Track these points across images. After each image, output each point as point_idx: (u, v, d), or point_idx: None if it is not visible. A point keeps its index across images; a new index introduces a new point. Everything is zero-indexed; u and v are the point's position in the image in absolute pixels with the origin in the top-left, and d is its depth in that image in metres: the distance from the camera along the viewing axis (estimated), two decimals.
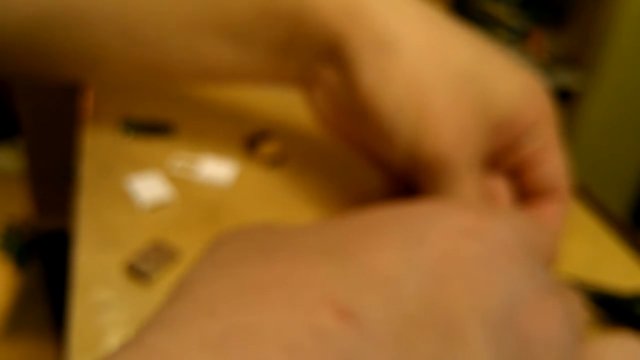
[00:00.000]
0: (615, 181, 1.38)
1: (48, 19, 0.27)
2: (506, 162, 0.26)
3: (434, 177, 0.25)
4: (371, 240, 0.15)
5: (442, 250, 0.14)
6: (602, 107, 1.22)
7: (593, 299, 0.26)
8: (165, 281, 0.25)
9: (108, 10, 0.27)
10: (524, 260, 0.15)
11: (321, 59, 0.27)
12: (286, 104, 0.40)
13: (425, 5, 0.25)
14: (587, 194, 0.34)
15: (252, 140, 0.34)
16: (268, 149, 0.34)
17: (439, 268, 0.14)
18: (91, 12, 0.27)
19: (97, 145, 0.33)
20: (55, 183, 0.90)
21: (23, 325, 1.15)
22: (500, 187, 0.27)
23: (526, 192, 0.27)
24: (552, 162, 0.26)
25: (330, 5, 0.25)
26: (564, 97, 1.22)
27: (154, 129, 0.34)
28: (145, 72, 0.30)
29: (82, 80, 0.35)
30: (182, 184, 0.30)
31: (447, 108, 0.24)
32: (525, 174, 0.26)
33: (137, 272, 0.25)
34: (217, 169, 0.31)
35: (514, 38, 1.24)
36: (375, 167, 0.30)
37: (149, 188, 0.29)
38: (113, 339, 0.22)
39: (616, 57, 1.18)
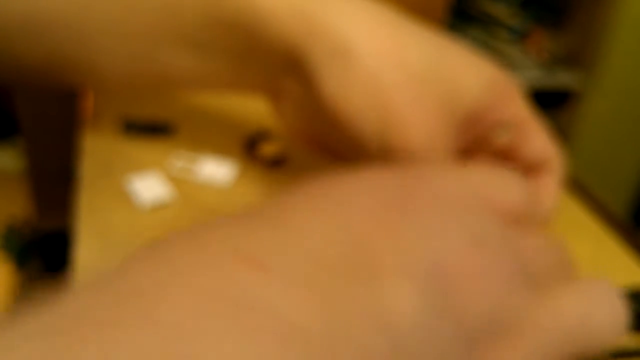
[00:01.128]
0: (615, 181, 1.38)
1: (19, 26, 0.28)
2: (489, 150, 0.27)
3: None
4: (297, 207, 0.16)
5: (369, 210, 0.16)
6: (602, 107, 1.22)
7: None
8: None
9: (66, 19, 0.27)
10: (464, 213, 0.16)
11: (282, 70, 0.27)
12: None
13: (381, 8, 0.26)
14: (587, 194, 0.35)
15: (252, 140, 0.34)
16: (268, 149, 0.34)
17: (362, 226, 0.15)
18: (48, 22, 0.27)
19: (97, 145, 0.33)
20: (55, 183, 0.90)
21: None
22: None
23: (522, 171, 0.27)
24: (534, 139, 0.26)
25: (284, 18, 0.25)
26: (564, 97, 1.22)
27: (153, 129, 0.34)
28: (108, 81, 0.30)
29: (49, 87, 0.35)
30: (182, 184, 0.30)
31: (410, 108, 0.24)
32: (511, 157, 0.27)
33: None
34: (217, 169, 0.31)
35: (514, 38, 1.24)
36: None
37: (148, 188, 0.29)
38: None
39: (616, 57, 1.18)
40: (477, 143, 0.26)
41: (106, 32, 0.27)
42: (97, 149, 0.32)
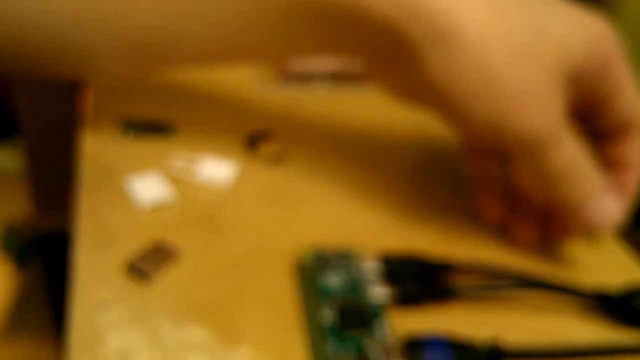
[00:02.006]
0: None
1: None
2: (581, 107, 0.27)
3: (526, 153, 0.25)
4: None
5: None
6: None
7: (590, 296, 0.26)
8: (165, 281, 0.25)
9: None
10: None
11: (378, 52, 0.26)
12: (286, 104, 0.40)
13: None
14: None
15: (252, 139, 0.34)
16: (268, 148, 0.34)
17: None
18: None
19: (96, 145, 0.33)
20: (55, 183, 0.90)
21: (23, 325, 1.15)
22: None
23: (603, 133, 0.28)
24: (626, 97, 0.26)
25: (382, 2, 0.24)
26: None
27: (153, 128, 0.34)
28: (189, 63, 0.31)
29: (81, 77, 0.35)
30: (182, 184, 0.30)
31: (523, 87, 0.24)
32: (600, 114, 0.27)
33: (136, 272, 0.25)
34: (217, 168, 0.32)
35: None
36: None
37: (148, 188, 0.29)
38: (113, 339, 0.22)
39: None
40: (578, 98, 0.26)
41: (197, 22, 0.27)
42: (96, 149, 0.32)
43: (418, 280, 0.25)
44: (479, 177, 0.31)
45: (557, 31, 0.25)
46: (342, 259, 0.26)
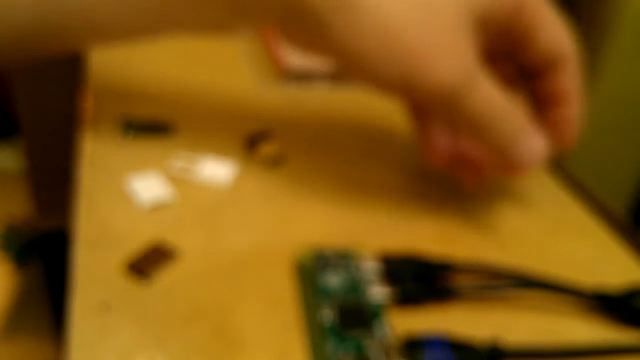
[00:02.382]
0: (615, 181, 1.38)
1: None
2: (499, 47, 0.27)
3: (444, 104, 0.25)
4: None
5: None
6: (602, 107, 1.22)
7: (589, 296, 0.26)
8: (165, 281, 0.25)
9: None
10: None
11: (284, 18, 0.26)
12: (286, 104, 0.40)
13: None
14: (587, 194, 0.35)
15: (252, 140, 0.34)
16: (267, 149, 0.34)
17: None
18: None
19: (96, 146, 0.33)
20: (55, 183, 0.90)
21: (23, 325, 1.15)
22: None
23: (532, 71, 0.28)
24: (547, 32, 0.26)
25: None
26: None
27: (153, 129, 0.34)
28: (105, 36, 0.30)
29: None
30: (182, 184, 0.30)
31: (429, 41, 0.24)
32: (523, 52, 0.27)
33: (136, 272, 0.25)
34: (216, 169, 0.32)
35: None
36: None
37: (148, 188, 0.29)
38: (113, 339, 0.22)
39: (616, 58, 1.19)
40: (495, 38, 0.26)
41: None
42: (96, 149, 0.32)
43: (418, 280, 0.25)
44: (422, 131, 0.31)
45: None
46: (341, 259, 0.26)
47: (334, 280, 0.25)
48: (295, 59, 0.44)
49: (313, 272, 0.25)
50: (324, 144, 0.36)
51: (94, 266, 0.25)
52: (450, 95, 0.25)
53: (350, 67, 0.26)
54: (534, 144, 0.27)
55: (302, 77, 0.43)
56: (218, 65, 0.44)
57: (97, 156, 0.32)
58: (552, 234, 0.31)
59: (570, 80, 0.28)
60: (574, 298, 0.26)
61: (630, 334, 0.25)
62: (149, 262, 0.25)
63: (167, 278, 0.25)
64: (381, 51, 0.24)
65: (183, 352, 0.22)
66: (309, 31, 0.26)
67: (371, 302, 0.24)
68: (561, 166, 0.36)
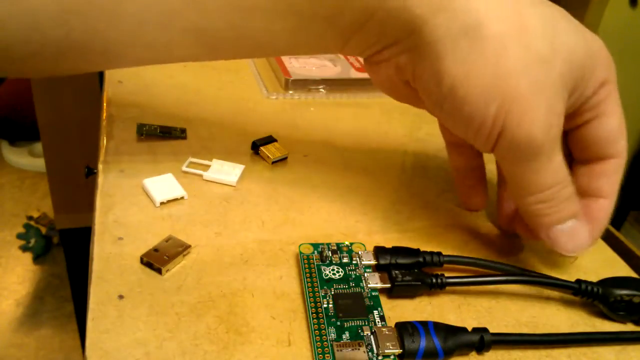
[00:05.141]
0: None
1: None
2: (568, 123, 0.25)
3: (520, 158, 0.24)
4: None
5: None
6: None
7: (570, 287, 0.26)
8: (177, 273, 0.25)
9: None
10: None
11: (391, 41, 0.24)
12: (289, 110, 0.40)
13: None
14: None
15: (257, 143, 0.34)
16: (271, 151, 0.34)
17: None
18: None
19: (113, 148, 0.33)
20: (72, 182, 0.90)
21: (42, 316, 1.15)
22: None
23: (580, 156, 0.27)
24: (610, 123, 0.25)
25: None
26: None
27: (166, 133, 0.35)
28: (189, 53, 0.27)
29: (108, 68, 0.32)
30: (193, 184, 0.31)
31: (534, 93, 0.23)
32: (583, 134, 0.26)
33: (150, 265, 0.25)
34: (224, 170, 0.32)
35: None
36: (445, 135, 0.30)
37: (162, 187, 0.30)
38: (127, 328, 0.22)
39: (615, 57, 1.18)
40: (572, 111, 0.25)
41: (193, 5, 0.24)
42: (114, 151, 0.33)
43: (410, 273, 0.25)
44: (460, 168, 0.30)
45: (568, 41, 0.23)
46: (340, 252, 0.26)
47: (333, 271, 0.25)
48: (297, 68, 0.44)
49: (314, 264, 0.26)
50: (324, 146, 0.36)
51: (110, 259, 0.25)
52: (535, 150, 0.23)
53: (446, 101, 0.24)
54: (581, 233, 0.25)
55: (302, 85, 0.43)
56: (226, 74, 0.44)
57: (114, 158, 0.32)
58: None
59: (614, 178, 0.26)
60: (556, 290, 0.27)
61: (609, 324, 0.26)
62: (161, 256, 0.25)
63: (178, 271, 0.25)
64: (490, 89, 0.23)
65: (193, 340, 0.22)
66: (414, 56, 0.24)
67: (367, 292, 0.25)
68: None
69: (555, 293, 0.27)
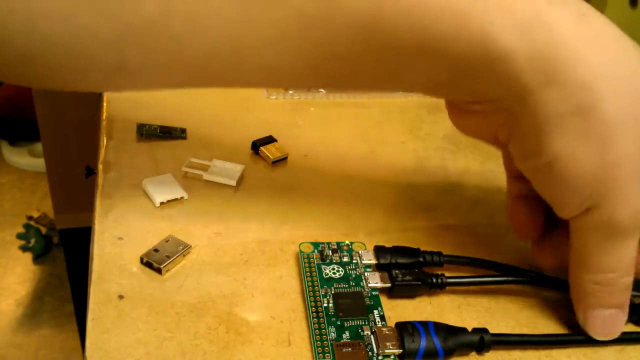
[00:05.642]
0: None
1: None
2: None
3: (597, 235, 0.23)
4: None
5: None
6: None
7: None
8: (177, 273, 0.25)
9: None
10: None
11: (491, 97, 0.22)
12: (288, 111, 0.40)
13: (620, 35, 0.21)
14: None
15: (257, 144, 0.34)
16: (271, 151, 0.34)
17: None
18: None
19: (113, 148, 0.33)
20: (72, 182, 0.90)
21: (42, 316, 1.15)
22: None
23: None
24: None
25: (522, 60, 0.20)
26: None
27: (166, 133, 0.35)
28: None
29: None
30: (193, 184, 0.31)
31: (635, 181, 0.21)
32: None
33: (150, 265, 0.25)
34: (224, 170, 0.32)
35: None
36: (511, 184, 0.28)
37: (162, 188, 0.30)
38: (128, 329, 0.22)
39: None
40: None
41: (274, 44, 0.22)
42: (113, 152, 0.33)
43: (410, 272, 0.25)
44: (516, 195, 0.28)
45: None
46: (340, 251, 0.26)
47: (333, 271, 0.25)
48: None
49: (314, 263, 0.26)
50: (324, 146, 0.36)
51: (110, 259, 0.25)
52: (617, 232, 0.22)
53: (540, 170, 0.23)
54: (618, 323, 0.24)
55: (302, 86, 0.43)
56: None
57: (114, 158, 0.32)
58: None
59: None
60: (556, 290, 0.27)
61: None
62: (161, 256, 0.25)
63: (178, 271, 0.25)
64: (592, 173, 0.21)
65: (193, 340, 0.22)
66: (518, 124, 0.22)
67: (367, 291, 0.25)
68: None
69: (555, 293, 0.27)
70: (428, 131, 0.40)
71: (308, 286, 0.25)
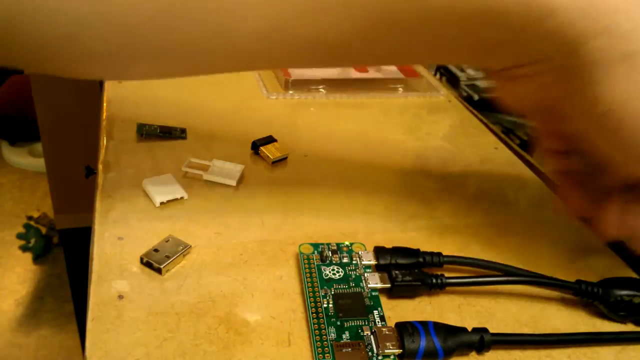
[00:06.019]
0: None
1: None
2: None
3: None
4: None
5: None
6: None
7: (569, 287, 0.26)
8: (177, 273, 0.25)
9: None
10: None
11: (540, 58, 0.23)
12: (288, 111, 0.40)
13: None
14: None
15: (257, 143, 0.34)
16: (271, 151, 0.34)
17: None
18: None
19: (113, 148, 0.33)
20: (72, 182, 0.90)
21: (42, 316, 1.15)
22: None
23: None
24: None
25: (572, 10, 0.21)
26: None
27: (166, 133, 0.35)
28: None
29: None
30: (193, 184, 0.31)
31: None
32: None
33: (150, 265, 0.25)
34: (224, 170, 0.32)
35: None
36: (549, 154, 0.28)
37: (162, 188, 0.30)
38: (128, 329, 0.22)
39: None
40: None
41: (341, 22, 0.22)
42: (113, 152, 0.33)
43: (410, 273, 0.25)
44: (560, 172, 0.29)
45: None
46: (340, 252, 0.26)
47: (333, 271, 0.25)
48: (296, 70, 0.44)
49: (314, 263, 0.26)
50: (324, 146, 0.36)
51: (110, 259, 0.25)
52: None
53: (598, 123, 0.23)
54: None
55: (301, 85, 0.43)
56: (226, 74, 0.44)
57: (114, 158, 0.32)
58: (537, 232, 0.31)
59: None
60: (556, 290, 0.27)
61: (609, 324, 0.26)
62: (161, 256, 0.25)
63: (178, 271, 0.25)
64: None
65: (193, 340, 0.22)
66: (569, 79, 0.23)
67: (367, 292, 0.25)
68: (541, 172, 0.37)
69: (555, 293, 0.27)
70: (428, 131, 0.40)
71: (308, 286, 0.25)
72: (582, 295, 0.26)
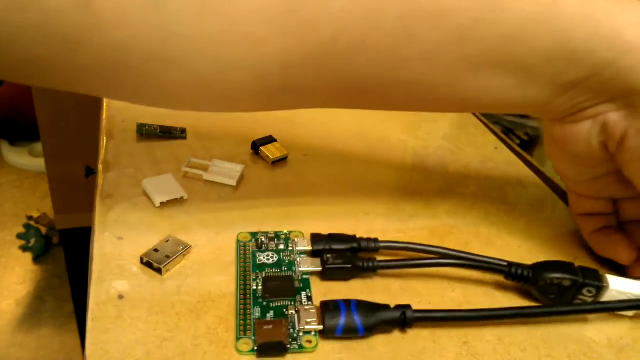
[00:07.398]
0: None
1: None
2: None
3: None
4: None
5: None
6: None
7: (501, 270, 0.26)
8: (177, 273, 0.25)
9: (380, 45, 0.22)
10: None
11: (609, 98, 0.24)
12: (289, 110, 0.40)
13: None
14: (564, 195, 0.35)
15: (257, 144, 0.34)
16: (271, 151, 0.34)
17: None
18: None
19: (113, 148, 0.33)
20: (72, 182, 0.90)
21: (42, 316, 1.15)
22: None
23: None
24: None
25: None
26: None
27: (166, 133, 0.35)
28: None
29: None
30: (193, 184, 0.31)
31: None
32: None
33: (150, 265, 0.25)
34: (224, 170, 0.32)
35: None
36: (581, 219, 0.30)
37: (162, 187, 0.30)
38: (128, 329, 0.22)
39: None
40: None
41: (426, 59, 0.23)
42: (113, 152, 0.33)
43: (342, 256, 0.25)
44: (597, 231, 0.29)
45: None
46: (278, 239, 0.27)
47: (268, 257, 0.26)
48: None
49: (250, 250, 0.26)
50: (324, 146, 0.36)
51: (110, 259, 0.25)
52: None
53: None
54: None
55: None
56: None
57: (114, 158, 0.32)
58: (537, 232, 0.31)
59: None
60: (488, 273, 0.26)
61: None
62: (161, 256, 0.25)
63: (178, 271, 0.25)
64: None
65: (193, 340, 0.22)
66: (636, 117, 0.24)
67: (299, 274, 0.25)
68: (541, 172, 0.37)
69: (489, 277, 0.27)
70: (428, 131, 0.40)
71: (240, 272, 0.25)
72: (512, 278, 0.25)
